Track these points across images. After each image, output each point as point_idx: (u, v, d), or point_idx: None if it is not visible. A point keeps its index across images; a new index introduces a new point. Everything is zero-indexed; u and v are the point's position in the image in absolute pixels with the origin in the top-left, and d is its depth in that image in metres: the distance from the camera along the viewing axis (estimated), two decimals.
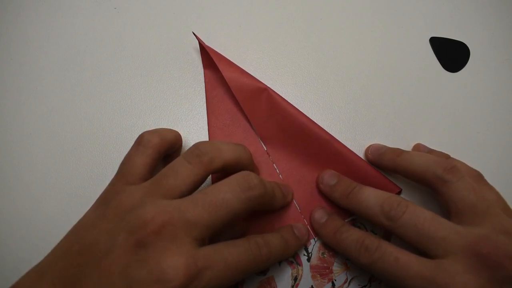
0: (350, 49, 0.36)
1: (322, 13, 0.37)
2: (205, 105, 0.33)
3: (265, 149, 0.31)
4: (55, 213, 0.30)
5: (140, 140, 0.25)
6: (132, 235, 0.20)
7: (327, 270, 0.29)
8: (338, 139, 0.30)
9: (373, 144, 0.32)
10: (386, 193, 0.26)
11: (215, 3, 0.37)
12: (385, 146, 0.31)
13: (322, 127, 0.31)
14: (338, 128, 0.33)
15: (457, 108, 0.34)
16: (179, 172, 0.22)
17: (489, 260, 0.21)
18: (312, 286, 0.28)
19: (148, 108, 0.33)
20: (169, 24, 0.36)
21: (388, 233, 0.29)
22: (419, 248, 0.23)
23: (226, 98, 0.33)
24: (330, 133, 0.31)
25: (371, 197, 0.26)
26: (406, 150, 0.31)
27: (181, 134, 0.29)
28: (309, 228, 0.29)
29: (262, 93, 0.31)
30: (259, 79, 0.32)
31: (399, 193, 0.30)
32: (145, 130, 0.27)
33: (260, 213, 0.29)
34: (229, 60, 0.32)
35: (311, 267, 0.29)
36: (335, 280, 0.28)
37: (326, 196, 0.30)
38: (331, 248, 0.28)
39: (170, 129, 0.27)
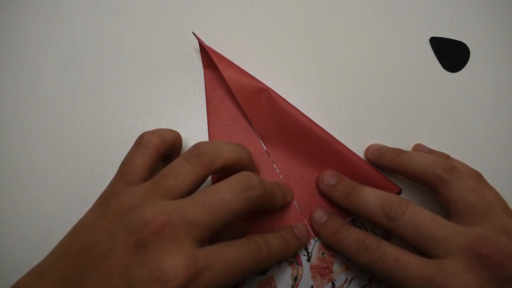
0: (350, 49, 0.36)
1: (322, 13, 0.37)
2: (205, 105, 0.33)
3: (265, 149, 0.31)
4: (55, 213, 0.30)
5: (140, 141, 0.25)
6: (132, 235, 0.20)
7: (327, 270, 0.29)
8: (338, 139, 0.30)
9: (373, 144, 0.32)
10: (386, 193, 0.26)
11: (215, 3, 0.37)
12: (385, 146, 0.31)
13: (322, 127, 0.31)
14: (338, 128, 0.33)
15: (457, 108, 0.34)
16: (179, 173, 0.22)
17: (489, 260, 0.21)
18: (312, 286, 0.28)
19: (148, 108, 0.33)
20: (169, 24, 0.36)
21: (388, 233, 0.29)
22: (419, 248, 0.23)
23: (226, 98, 0.33)
24: (330, 133, 0.31)
25: (371, 197, 0.26)
26: (406, 150, 0.31)
27: (181, 134, 0.29)
28: (309, 228, 0.29)
29: (262, 93, 0.31)
30: (259, 79, 0.32)
31: (399, 193, 0.30)
32: (145, 130, 0.27)
33: (260, 213, 0.29)
34: (229, 60, 0.32)
35: (311, 267, 0.29)
36: (335, 280, 0.28)
37: (326, 196, 0.29)
38: (331, 248, 0.28)
39: (170, 129, 0.27)
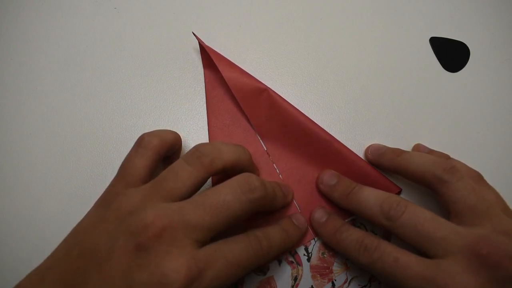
0: (350, 49, 0.36)
1: (322, 13, 0.37)
2: (205, 105, 0.33)
3: (265, 149, 0.31)
4: (55, 213, 0.30)
5: (140, 142, 0.25)
6: (133, 239, 0.20)
7: (327, 270, 0.29)
8: (338, 139, 0.30)
9: (373, 144, 0.32)
10: (386, 193, 0.26)
11: (215, 3, 0.37)
12: (385, 146, 0.31)
13: (322, 127, 0.31)
14: (338, 128, 0.33)
15: (457, 108, 0.34)
16: (179, 175, 0.22)
17: (489, 260, 0.21)
18: (312, 286, 0.28)
19: (148, 108, 0.33)
20: (169, 24, 0.36)
21: (388, 233, 0.29)
22: (419, 248, 0.23)
23: (226, 98, 0.33)
24: (330, 133, 0.31)
25: (370, 197, 0.26)
26: (406, 150, 0.31)
27: (181, 135, 0.29)
28: (309, 228, 0.29)
29: (262, 93, 0.31)
30: (259, 79, 0.32)
31: (399, 193, 0.30)
32: (145, 130, 0.27)
33: (260, 213, 0.29)
34: (229, 60, 0.32)
35: (311, 267, 0.29)
36: (335, 280, 0.28)
37: (326, 196, 0.29)
38: (331, 248, 0.28)
39: (169, 130, 0.27)
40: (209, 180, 0.29)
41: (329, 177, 0.29)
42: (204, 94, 0.33)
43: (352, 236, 0.26)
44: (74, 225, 0.23)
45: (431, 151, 0.31)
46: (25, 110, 0.33)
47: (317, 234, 0.29)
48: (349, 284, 0.28)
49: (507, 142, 0.33)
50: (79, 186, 0.30)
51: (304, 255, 0.29)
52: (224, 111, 0.32)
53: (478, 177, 0.28)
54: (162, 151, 0.26)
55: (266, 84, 0.31)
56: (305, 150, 0.31)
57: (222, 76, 0.31)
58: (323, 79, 0.34)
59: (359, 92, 0.34)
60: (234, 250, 0.21)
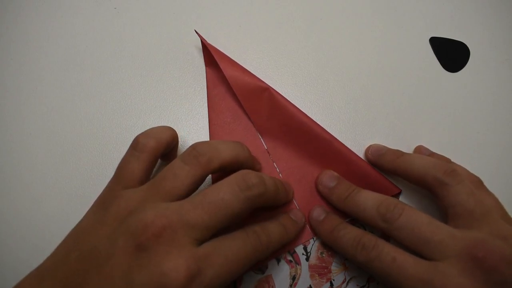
0: (350, 49, 0.36)
1: (322, 13, 0.37)
2: (205, 105, 0.33)
3: (266, 147, 0.31)
4: (55, 213, 0.30)
5: (136, 145, 0.25)
6: (132, 239, 0.20)
7: (325, 270, 0.29)
8: (338, 139, 0.30)
9: (374, 144, 0.32)
10: (383, 195, 0.26)
11: (215, 3, 0.37)
12: (386, 147, 0.31)
13: (322, 127, 0.31)
14: (338, 128, 0.33)
15: (457, 108, 0.34)
16: (177, 174, 0.22)
17: (485, 264, 0.21)
18: (310, 285, 0.28)
19: (148, 108, 0.33)
20: (169, 24, 0.36)
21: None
22: (415, 250, 0.23)
23: (227, 96, 0.33)
24: (330, 133, 0.31)
25: (368, 200, 0.26)
26: (407, 151, 0.31)
27: (181, 134, 0.29)
28: (308, 227, 0.29)
29: (264, 92, 0.31)
30: None
31: (398, 194, 0.30)
32: (145, 130, 0.26)
33: (260, 210, 0.29)
34: (231, 59, 0.32)
35: (310, 267, 0.29)
36: (334, 280, 0.28)
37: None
38: (329, 246, 0.28)
39: (164, 128, 0.27)
40: (210, 178, 0.30)
41: (329, 179, 0.29)
42: (204, 93, 0.33)
43: (350, 234, 0.26)
44: (74, 225, 0.23)
45: (432, 154, 0.31)
46: (25, 110, 0.33)
47: (315, 232, 0.29)
48: (347, 284, 0.28)
49: (507, 142, 0.33)
50: (79, 186, 0.30)
51: (303, 254, 0.29)
52: (225, 109, 0.32)
53: (478, 182, 0.28)
54: (158, 152, 0.25)
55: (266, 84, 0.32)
56: (305, 150, 0.31)
57: (223, 75, 0.31)
58: (323, 79, 0.34)
59: (359, 92, 0.34)
60: (233, 247, 0.21)
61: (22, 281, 0.21)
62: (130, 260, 0.19)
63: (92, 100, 0.33)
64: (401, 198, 0.30)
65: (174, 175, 0.22)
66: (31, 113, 0.33)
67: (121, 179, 0.24)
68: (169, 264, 0.19)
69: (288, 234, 0.26)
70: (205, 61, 0.34)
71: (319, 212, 0.28)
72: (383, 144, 0.32)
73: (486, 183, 0.28)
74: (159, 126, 0.27)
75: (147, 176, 0.25)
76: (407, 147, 0.32)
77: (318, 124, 0.30)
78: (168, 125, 0.32)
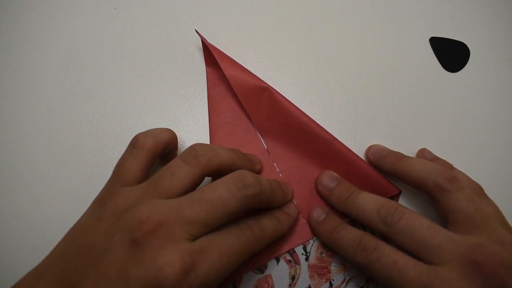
0: (350, 49, 0.36)
1: (322, 13, 0.37)
2: (205, 105, 0.33)
3: (266, 147, 0.31)
4: (55, 213, 0.30)
5: (134, 143, 0.25)
6: (128, 234, 0.20)
7: (325, 270, 0.29)
8: (338, 139, 0.30)
9: (375, 144, 0.32)
10: (384, 198, 0.26)
11: (215, 3, 0.37)
12: (387, 148, 0.31)
13: (322, 127, 0.31)
14: (338, 128, 0.33)
15: (457, 108, 0.34)
16: (176, 173, 0.22)
17: (484, 269, 0.21)
18: (309, 285, 0.28)
19: (148, 108, 0.33)
20: (169, 24, 0.36)
21: None
22: (415, 254, 0.24)
23: (228, 96, 0.33)
24: (330, 133, 0.31)
25: (368, 202, 0.26)
26: (406, 151, 0.31)
27: (181, 135, 0.29)
28: (308, 227, 0.29)
29: (264, 91, 0.31)
30: None
31: (398, 194, 0.30)
32: (145, 130, 0.27)
33: (257, 209, 0.29)
34: (231, 59, 0.32)
35: (309, 267, 0.29)
36: (333, 280, 0.28)
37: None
38: (329, 247, 0.28)
39: (164, 129, 0.27)
40: (209, 180, 0.30)
41: (329, 179, 0.29)
42: (205, 93, 0.33)
43: (350, 235, 0.26)
44: (72, 225, 0.23)
45: (435, 158, 0.31)
46: (25, 110, 0.33)
47: (315, 233, 0.29)
48: (346, 284, 0.28)
49: (507, 142, 0.33)
50: (79, 186, 0.31)
51: (302, 254, 0.29)
52: (225, 109, 0.32)
53: (478, 190, 0.28)
54: (157, 152, 0.26)
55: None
56: (306, 150, 0.31)
57: (224, 74, 0.31)
58: (323, 79, 0.34)
59: (359, 92, 0.34)
60: (228, 241, 0.21)
61: (20, 280, 0.22)
62: (126, 255, 0.19)
63: (92, 100, 0.33)
64: (401, 201, 0.30)
65: (172, 173, 0.22)
66: (31, 113, 0.33)
67: (119, 177, 0.24)
68: (164, 259, 0.19)
69: (281, 226, 0.26)
70: (205, 60, 0.34)
71: (319, 213, 0.28)
72: (383, 144, 0.32)
73: (486, 183, 0.28)
74: (159, 127, 0.27)
75: (145, 175, 0.25)
76: (407, 147, 0.32)
77: (318, 124, 0.30)
78: (168, 125, 0.32)
